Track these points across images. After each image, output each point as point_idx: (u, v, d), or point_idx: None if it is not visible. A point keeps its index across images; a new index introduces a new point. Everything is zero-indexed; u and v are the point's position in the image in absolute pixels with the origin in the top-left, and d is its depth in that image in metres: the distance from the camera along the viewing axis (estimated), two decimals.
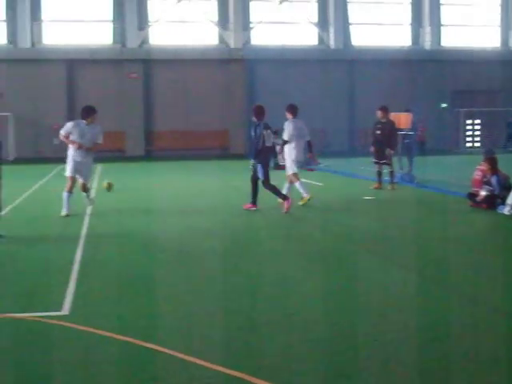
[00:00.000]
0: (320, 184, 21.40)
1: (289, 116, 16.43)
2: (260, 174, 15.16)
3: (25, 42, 41.33)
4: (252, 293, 8.08)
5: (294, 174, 16.21)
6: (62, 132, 15.25)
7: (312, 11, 44.51)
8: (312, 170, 26.74)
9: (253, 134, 15.32)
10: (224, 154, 40.77)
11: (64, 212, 14.58)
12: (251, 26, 43.69)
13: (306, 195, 16.17)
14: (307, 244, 11.47)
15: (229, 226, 13.30)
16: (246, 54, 42.19)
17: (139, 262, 9.94)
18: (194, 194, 19.33)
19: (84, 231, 12.49)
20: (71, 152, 15.15)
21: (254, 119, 15.50)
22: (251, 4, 43.73)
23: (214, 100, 41.91)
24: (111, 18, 42.52)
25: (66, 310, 7.24)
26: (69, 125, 15.31)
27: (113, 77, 41.67)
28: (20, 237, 12.23)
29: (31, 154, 40.16)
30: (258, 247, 11.20)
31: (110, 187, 19.25)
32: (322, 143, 37.36)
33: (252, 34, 43.84)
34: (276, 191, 15.21)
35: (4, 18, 41.55)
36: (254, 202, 15.45)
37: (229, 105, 41.89)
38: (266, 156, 15.40)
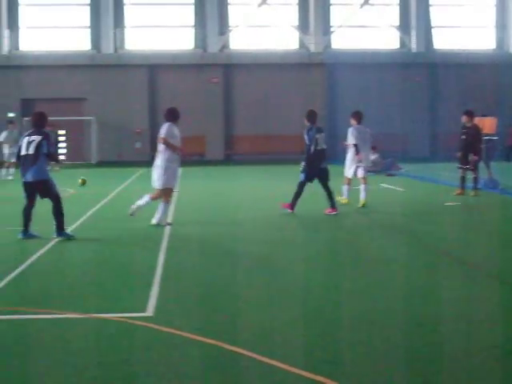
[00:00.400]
0: (401, 189, 21.11)
1: (353, 122, 16.94)
2: (302, 176, 15.40)
3: (108, 48, 42.09)
4: (334, 300, 7.99)
5: (348, 179, 16.94)
6: (164, 134, 13.80)
7: (393, 15, 44.06)
8: (392, 175, 26.48)
9: (305, 137, 15.36)
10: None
11: (155, 221, 13.63)
12: (332, 30, 43.52)
13: (344, 197, 16.93)
14: (390, 251, 11.30)
15: (311, 233, 13.22)
16: (326, 58, 42.02)
17: (221, 265, 9.94)
18: (275, 198, 19.28)
19: (166, 234, 12.59)
20: (167, 157, 13.73)
21: (307, 123, 15.59)
22: (332, 8, 43.56)
23: (294, 104, 41.80)
24: (193, 23, 42.94)
25: (150, 311, 7.30)
26: (169, 127, 13.91)
27: (194, 81, 42.06)
28: (104, 238, 12.42)
29: (113, 157, 40.85)
30: (340, 254, 11.10)
31: (83, 183, 22.22)
32: (403, 148, 36.89)
33: (332, 38, 43.66)
34: (298, 195, 15.46)
35: (88, 24, 42.42)
36: (332, 206, 15.44)
37: (306, 109, 41.71)
38: (317, 159, 15.36)
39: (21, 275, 9.24)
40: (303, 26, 43.11)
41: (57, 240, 12.00)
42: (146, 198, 13.88)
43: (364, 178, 16.74)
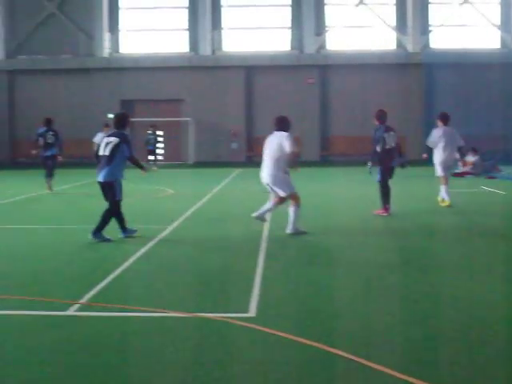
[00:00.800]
0: (503, 193, 20.56)
1: (440, 124, 17.03)
2: (378, 176, 15.47)
3: (206, 50, 42.56)
4: (434, 303, 7.83)
5: (441, 178, 16.97)
6: (294, 147, 12.70)
7: (494, 13, 43.02)
8: (493, 177, 25.89)
9: (373, 136, 15.47)
10: (401, 160, 39.94)
11: (290, 231, 12.73)
12: (430, 29, 42.83)
13: (447, 199, 16.81)
14: (489, 257, 11.01)
15: (407, 235, 13.04)
16: (425, 58, 41.41)
17: (318, 266, 9.90)
18: (372, 201, 19.11)
19: (265, 236, 12.60)
20: (284, 165, 12.87)
21: (376, 122, 15.66)
22: (430, 7, 42.87)
23: (391, 105, 41.22)
24: (289, 24, 42.98)
25: (252, 312, 7.31)
26: (291, 137, 12.89)
27: (290, 82, 42.09)
28: (203, 239, 12.54)
29: (210, 157, 41.26)
30: (436, 259, 10.90)
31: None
32: (504, 150, 35.96)
33: (431, 37, 42.97)
34: (385, 197, 15.45)
35: (187, 26, 43.00)
36: (385, 207, 15.47)
37: (406, 110, 41.20)
38: (386, 158, 15.35)
39: (123, 274, 9.40)
40: (401, 26, 42.56)
41: (158, 239, 12.18)
42: (269, 205, 13.15)
43: (445, 178, 16.94)
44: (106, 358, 5.96)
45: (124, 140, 12.28)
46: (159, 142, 38.82)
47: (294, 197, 12.85)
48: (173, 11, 43.26)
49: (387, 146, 15.28)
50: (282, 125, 13.28)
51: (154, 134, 36.42)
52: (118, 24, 43.37)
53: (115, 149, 12.17)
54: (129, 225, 12.57)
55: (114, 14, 43.21)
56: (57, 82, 42.82)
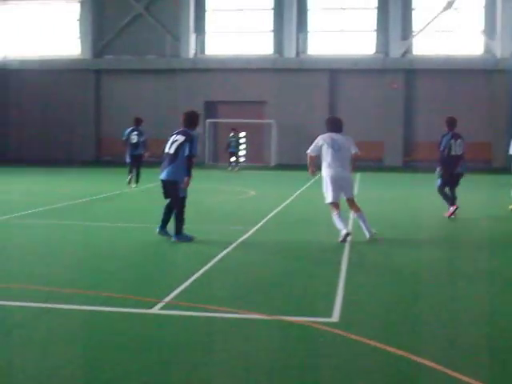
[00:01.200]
0: None
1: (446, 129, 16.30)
2: (439, 181, 15.89)
3: (290, 52, 42.56)
4: None
5: None
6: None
7: None
8: None
9: (440, 142, 15.82)
10: (487, 167, 39.28)
11: (343, 232, 12.27)
12: None
13: None
14: None
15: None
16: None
17: (406, 273, 9.78)
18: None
19: (348, 239, 12.51)
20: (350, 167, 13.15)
21: (445, 129, 16.06)
22: None
23: (475, 111, 40.58)
24: (374, 28, 42.64)
25: (335, 316, 7.26)
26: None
27: (374, 86, 41.74)
28: (285, 241, 12.53)
29: (292, 160, 41.24)
30: None
31: None
32: None
33: None
34: (446, 198, 15.83)
35: (272, 29, 43.11)
36: (452, 206, 15.67)
37: (493, 116, 40.43)
38: (451, 164, 15.65)
39: (206, 274, 9.46)
40: (489, 31, 41.71)
41: (240, 241, 12.23)
42: (360, 217, 12.73)
43: None
44: (189, 357, 6.00)
45: (188, 139, 12.14)
46: (241, 144, 39.02)
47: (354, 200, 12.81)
48: (258, 13, 43.42)
49: (452, 153, 15.62)
50: (336, 127, 13.35)
51: (236, 136, 36.66)
52: (203, 25, 43.77)
53: (180, 147, 12.10)
54: (211, 225, 12.65)
55: (200, 16, 43.63)
56: (142, 82, 43.49)
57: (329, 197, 12.63)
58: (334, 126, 13.33)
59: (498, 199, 20.10)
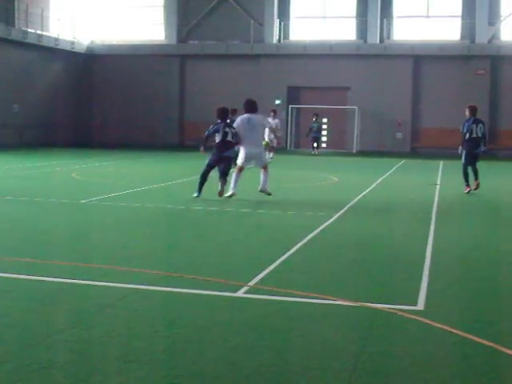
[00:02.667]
0: None
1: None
2: (463, 159, 18.22)
3: (374, 38, 42.13)
4: None
5: None
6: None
7: None
8: None
9: (463, 126, 18.16)
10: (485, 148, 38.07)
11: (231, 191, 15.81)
12: None
13: None
14: None
15: None
16: None
17: (491, 264, 9.63)
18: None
19: (432, 228, 12.38)
20: None
21: (468, 115, 18.24)
22: None
23: None
24: (460, 13, 41.80)
25: (420, 304, 7.18)
26: None
27: (459, 73, 41.03)
28: (368, 228, 12.48)
29: (374, 147, 40.95)
30: None
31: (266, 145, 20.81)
32: None
33: None
34: (466, 177, 18.25)
35: (355, 14, 42.74)
36: (467, 185, 18.14)
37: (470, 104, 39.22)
38: (472, 145, 18.05)
39: (290, 258, 9.48)
40: None
41: (324, 226, 12.22)
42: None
43: None
44: (271, 342, 6.01)
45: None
46: (323, 129, 38.86)
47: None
48: None
49: (473, 135, 17.86)
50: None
51: (318, 121, 36.54)
52: (287, 11, 43.69)
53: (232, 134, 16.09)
54: (295, 210, 12.67)
55: (283, 1, 43.57)
56: (226, 68, 43.75)
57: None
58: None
59: None
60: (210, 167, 15.89)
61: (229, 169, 16.00)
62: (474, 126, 17.93)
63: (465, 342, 6.08)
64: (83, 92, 45.09)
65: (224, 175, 15.80)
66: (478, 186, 18.05)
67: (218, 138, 15.74)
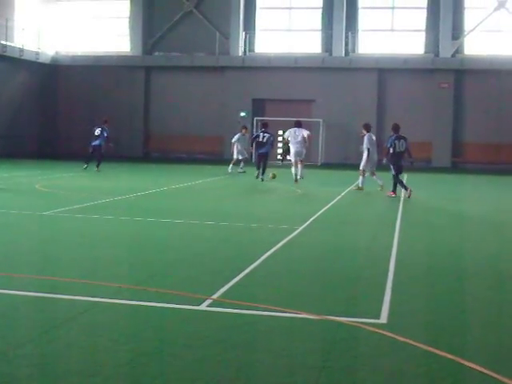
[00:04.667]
0: None
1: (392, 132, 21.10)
2: (393, 171, 20.57)
3: (339, 51, 42.36)
4: None
5: None
6: None
7: None
8: None
9: (387, 142, 20.88)
10: (410, 160, 38.66)
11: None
12: None
13: None
14: None
15: None
16: None
17: (454, 276, 9.69)
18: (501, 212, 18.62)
19: (395, 241, 12.45)
20: None
21: (392, 132, 20.89)
22: None
23: None
24: (424, 27, 42.23)
25: (384, 318, 7.21)
26: None
27: (423, 86, 41.42)
28: (333, 240, 12.51)
29: (339, 159, 41.13)
30: None
31: (274, 177, 25.46)
32: None
33: None
34: (395, 185, 20.66)
35: (320, 27, 42.97)
36: (394, 191, 20.58)
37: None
38: (397, 159, 20.71)
39: (253, 272, 9.45)
40: None
41: (287, 240, 12.24)
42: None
43: None
44: (234, 355, 5.99)
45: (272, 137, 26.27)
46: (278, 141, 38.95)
47: None
48: (307, 12, 43.34)
49: (397, 150, 20.49)
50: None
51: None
52: (253, 24, 43.81)
53: (268, 138, 25.93)
54: (260, 223, 12.66)
55: (249, 14, 43.68)
56: (191, 80, 43.72)
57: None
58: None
59: None
60: None
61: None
62: (397, 141, 20.48)
63: (428, 356, 6.10)
64: (48, 103, 44.76)
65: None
66: (395, 194, 20.52)
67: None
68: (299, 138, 24.09)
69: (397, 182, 20.65)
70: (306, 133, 24.50)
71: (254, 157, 29.23)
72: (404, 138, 20.77)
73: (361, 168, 22.69)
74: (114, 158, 35.50)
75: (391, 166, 20.62)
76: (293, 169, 24.47)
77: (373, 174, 22.67)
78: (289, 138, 24.44)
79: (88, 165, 29.08)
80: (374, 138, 22.67)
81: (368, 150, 22.24)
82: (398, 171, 20.59)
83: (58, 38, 45.35)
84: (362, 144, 22.84)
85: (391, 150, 20.45)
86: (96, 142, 29.05)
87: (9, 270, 9.15)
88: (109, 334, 6.48)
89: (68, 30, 45.62)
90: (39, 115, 44.01)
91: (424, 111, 41.16)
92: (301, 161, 24.31)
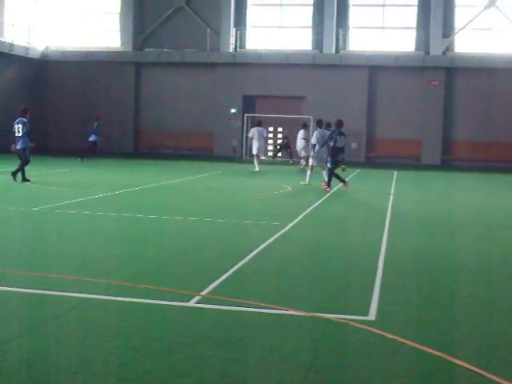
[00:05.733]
0: None
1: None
2: (329, 164, 21.28)
3: (330, 48, 42.36)
4: None
5: None
6: None
7: None
8: None
9: (329, 136, 21.67)
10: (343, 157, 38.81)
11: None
12: None
13: None
14: None
15: None
16: None
17: (442, 273, 9.72)
18: (491, 210, 18.65)
19: (384, 238, 12.48)
20: None
21: (335, 127, 21.79)
22: None
23: None
24: (415, 25, 42.29)
25: (372, 314, 7.23)
26: None
27: (413, 84, 41.45)
28: (321, 238, 12.52)
29: None
30: None
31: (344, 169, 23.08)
32: None
33: None
34: (330, 178, 21.40)
35: (311, 24, 42.97)
36: (328, 184, 21.15)
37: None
38: (336, 153, 21.19)
39: (243, 268, 9.47)
40: None
41: (278, 236, 12.24)
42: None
43: None
44: (222, 352, 6.00)
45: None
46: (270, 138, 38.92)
47: None
48: (298, 8, 43.31)
49: (337, 145, 21.09)
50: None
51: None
52: (244, 20, 43.75)
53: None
54: (249, 219, 12.66)
55: (240, 10, 43.62)
56: (181, 76, 43.64)
57: None
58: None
59: None
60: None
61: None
62: (338, 137, 21.16)
63: (415, 353, 6.13)
64: (38, 98, 44.53)
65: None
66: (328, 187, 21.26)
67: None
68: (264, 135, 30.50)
69: (332, 175, 21.23)
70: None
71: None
72: (345, 135, 21.52)
73: (309, 164, 23.27)
74: (104, 154, 35.41)
75: (328, 160, 21.29)
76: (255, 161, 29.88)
77: (323, 168, 22.75)
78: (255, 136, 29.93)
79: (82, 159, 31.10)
80: (327, 133, 22.49)
81: (314, 146, 22.56)
82: (335, 165, 21.17)
83: (48, 33, 45.14)
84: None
85: (331, 144, 21.10)
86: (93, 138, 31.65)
87: None
88: (97, 331, 6.47)
89: (58, 25, 45.41)
90: (29, 111, 43.73)
91: (414, 109, 41.20)
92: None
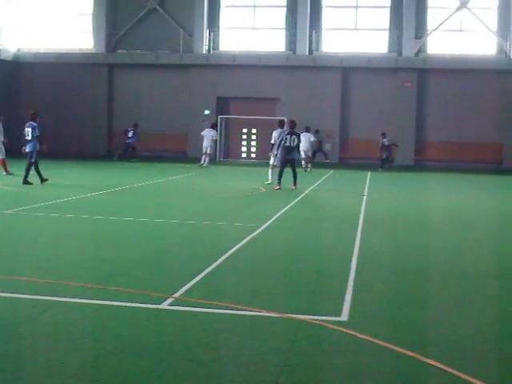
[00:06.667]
0: None
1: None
2: (278, 163, 22.16)
3: (303, 50, 42.45)
4: None
5: None
6: None
7: None
8: None
9: (279, 135, 22.24)
10: (498, 168, 39.23)
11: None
12: None
13: None
14: None
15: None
16: None
17: (415, 273, 9.77)
18: (470, 210, 18.77)
19: (358, 237, 12.53)
20: None
21: (287, 127, 22.52)
22: None
23: (489, 112, 40.48)
24: (387, 26, 42.50)
25: (345, 315, 7.25)
26: None
27: (386, 85, 41.65)
28: (294, 238, 12.55)
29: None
30: None
31: None
32: None
33: None
34: (280, 176, 21.75)
35: (284, 26, 43.05)
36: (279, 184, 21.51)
37: (505, 117, 40.25)
38: (286, 152, 21.68)
39: (217, 270, 9.46)
40: (502, 31, 41.47)
41: (251, 237, 12.25)
42: None
43: None
44: (196, 354, 6.00)
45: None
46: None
47: None
48: (271, 10, 43.37)
49: (287, 144, 21.58)
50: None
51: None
52: (217, 21, 43.74)
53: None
54: (225, 220, 12.66)
55: (213, 12, 43.60)
56: (155, 77, 43.51)
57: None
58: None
59: None
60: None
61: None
62: (289, 136, 21.59)
63: (388, 353, 6.15)
64: (10, 100, 44.25)
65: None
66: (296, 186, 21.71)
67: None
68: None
69: (281, 174, 21.56)
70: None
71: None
72: (297, 135, 21.89)
73: (270, 163, 23.35)
74: (77, 157, 35.22)
75: (277, 158, 22.19)
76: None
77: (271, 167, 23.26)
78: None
79: None
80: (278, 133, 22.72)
81: (273, 145, 22.61)
82: (284, 164, 21.65)
83: (20, 34, 44.86)
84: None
85: (282, 143, 21.56)
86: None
87: None
88: (69, 334, 6.44)
89: (30, 26, 45.13)
90: (1, 113, 43.45)
91: (387, 110, 41.40)
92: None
